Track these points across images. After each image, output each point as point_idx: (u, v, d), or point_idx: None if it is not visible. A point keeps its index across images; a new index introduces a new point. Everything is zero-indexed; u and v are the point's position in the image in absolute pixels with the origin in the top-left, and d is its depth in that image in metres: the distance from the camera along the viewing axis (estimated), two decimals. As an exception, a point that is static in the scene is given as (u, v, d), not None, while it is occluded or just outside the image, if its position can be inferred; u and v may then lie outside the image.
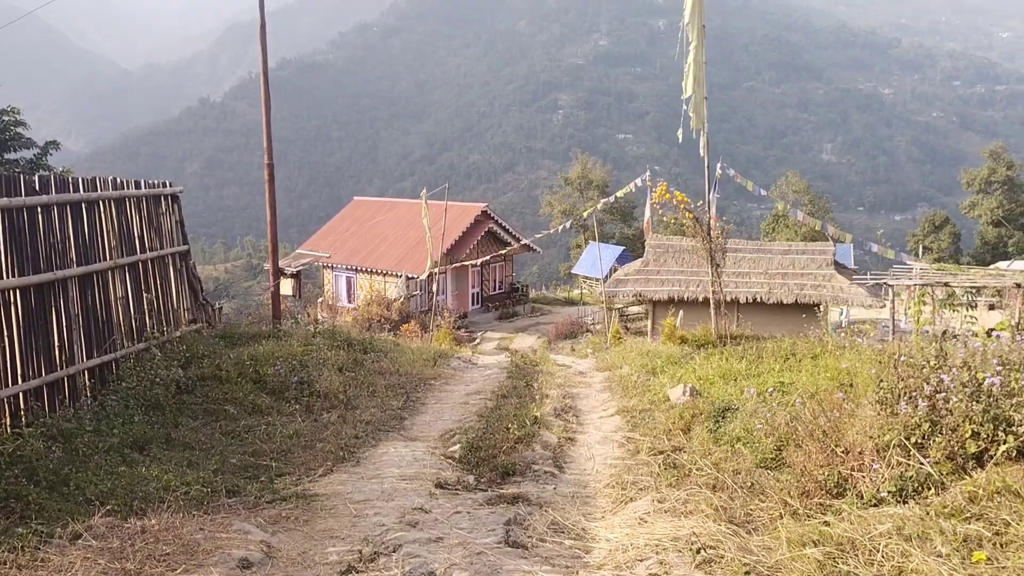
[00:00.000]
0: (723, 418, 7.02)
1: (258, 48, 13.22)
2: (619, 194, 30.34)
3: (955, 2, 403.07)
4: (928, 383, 5.24)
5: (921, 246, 64.69)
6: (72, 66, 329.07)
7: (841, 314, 27.70)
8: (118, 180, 8.93)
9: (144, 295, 9.21)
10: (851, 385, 7.87)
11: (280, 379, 8.84)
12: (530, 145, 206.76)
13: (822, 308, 20.45)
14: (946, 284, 13.07)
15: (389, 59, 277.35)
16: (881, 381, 5.65)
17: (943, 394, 5.05)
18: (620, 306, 29.93)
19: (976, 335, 12.69)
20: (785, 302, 21.19)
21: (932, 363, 5.43)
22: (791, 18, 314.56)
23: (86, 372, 7.85)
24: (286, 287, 13.80)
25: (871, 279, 20.44)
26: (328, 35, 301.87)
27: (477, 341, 32.46)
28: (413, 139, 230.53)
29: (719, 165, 31.42)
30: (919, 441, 4.88)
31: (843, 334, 13.66)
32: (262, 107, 13.18)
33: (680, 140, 11.88)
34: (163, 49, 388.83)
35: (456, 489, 5.73)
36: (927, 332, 12.88)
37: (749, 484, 5.52)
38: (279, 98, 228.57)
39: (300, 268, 13.47)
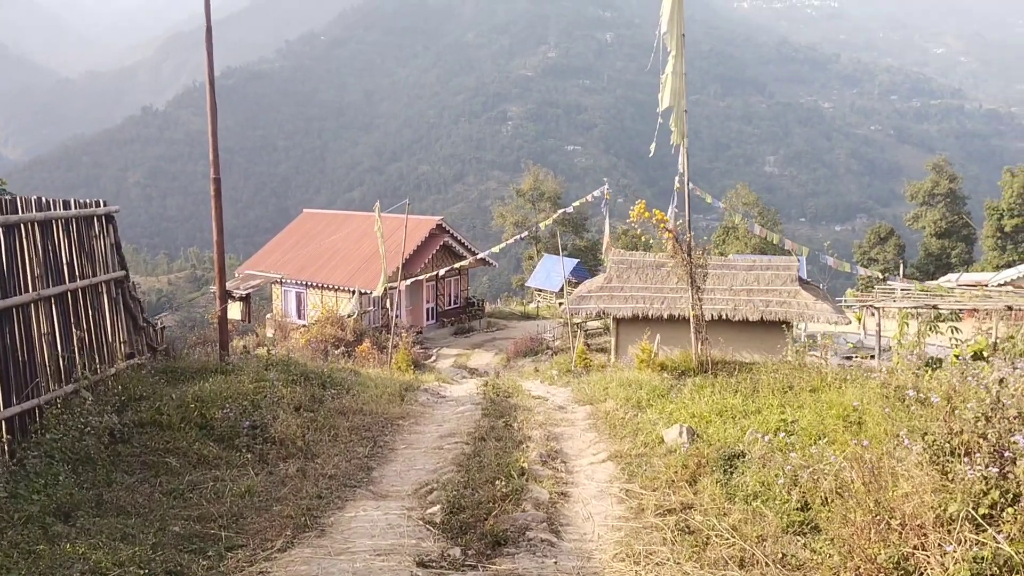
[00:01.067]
0: (732, 467, 6.31)
1: (202, 55, 12.24)
2: (575, 204, 29.85)
3: (891, 19, 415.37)
4: (985, 438, 4.59)
5: (867, 258, 65.68)
6: (8, 74, 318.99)
7: (803, 329, 27.47)
8: (43, 200, 7.90)
9: (74, 330, 8.18)
10: (859, 423, 7.26)
11: (229, 423, 7.86)
12: (480, 156, 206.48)
13: (791, 326, 20.07)
14: (934, 307, 12.68)
15: (337, 69, 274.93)
16: (925, 434, 4.98)
17: (1008, 452, 4.41)
18: (579, 321, 29.32)
19: (961, 357, 12.28)
20: (751, 319, 20.73)
21: (989, 414, 4.77)
22: (734, 33, 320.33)
23: (3, 424, 6.81)
24: (234, 311, 12.76)
25: (855, 300, 20.13)
26: (275, 44, 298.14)
27: (433, 359, 31.52)
28: (361, 149, 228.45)
29: (677, 178, 31.11)
30: (989, 512, 4.22)
31: (800, 350, 13.15)
32: (207, 118, 12.19)
33: (652, 154, 11.23)
34: (104, 57, 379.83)
35: (441, 566, 4.90)
36: (912, 357, 12.43)
37: (781, 556, 4.82)
38: (224, 108, 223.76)
39: (249, 291, 12.57)
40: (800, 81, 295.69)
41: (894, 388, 7.83)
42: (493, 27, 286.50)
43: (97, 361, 8.65)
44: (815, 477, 5.51)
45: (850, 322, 21.65)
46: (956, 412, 4.97)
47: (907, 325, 12.84)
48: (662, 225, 11.59)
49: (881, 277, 37.75)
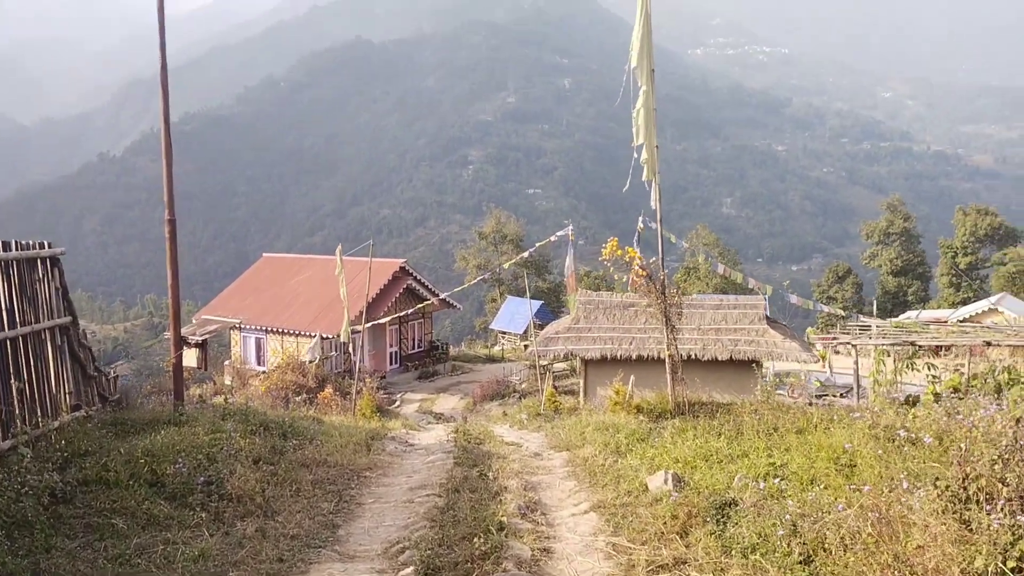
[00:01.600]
0: (725, 517, 5.92)
1: (159, 102, 11.82)
2: (539, 245, 29.66)
3: (840, 64, 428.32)
4: (1005, 483, 4.28)
5: (827, 296, 66.44)
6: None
7: (770, 368, 27.38)
8: (-19, 241, 7.37)
9: (13, 381, 7.58)
10: (851, 466, 6.95)
11: (182, 479, 7.27)
12: (441, 200, 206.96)
13: (761, 365, 19.90)
14: (912, 343, 12.52)
15: (298, 114, 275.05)
16: (937, 479, 4.65)
17: (1031, 500, 4.10)
18: (545, 363, 28.93)
19: (943, 394, 12.09)
20: (720, 359, 20.53)
21: (1006, 456, 4.46)
22: (690, 79, 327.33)
23: (-71, 486, 6.20)
24: (190, 358, 12.16)
25: (832, 338, 20.03)
26: (234, 90, 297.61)
27: (397, 404, 30.82)
28: (322, 193, 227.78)
29: (640, 218, 31.11)
30: (1018, 565, 3.88)
31: (769, 390, 12.90)
32: (163, 157, 11.72)
33: (625, 189, 10.99)
34: (62, 104, 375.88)
35: (418, 638, 4.42)
36: (889, 395, 12.23)
37: (790, 617, 4.44)
38: (183, 153, 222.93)
39: (206, 336, 12.06)
40: (754, 125, 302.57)
41: (883, 428, 7.55)
42: (453, 72, 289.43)
43: (39, 414, 8.04)
44: (817, 527, 5.15)
45: (818, 360, 21.57)
46: (969, 455, 4.65)
47: (883, 363, 12.67)
48: (635, 263, 11.32)
49: (843, 315, 38.13)
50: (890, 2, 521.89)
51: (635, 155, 10.70)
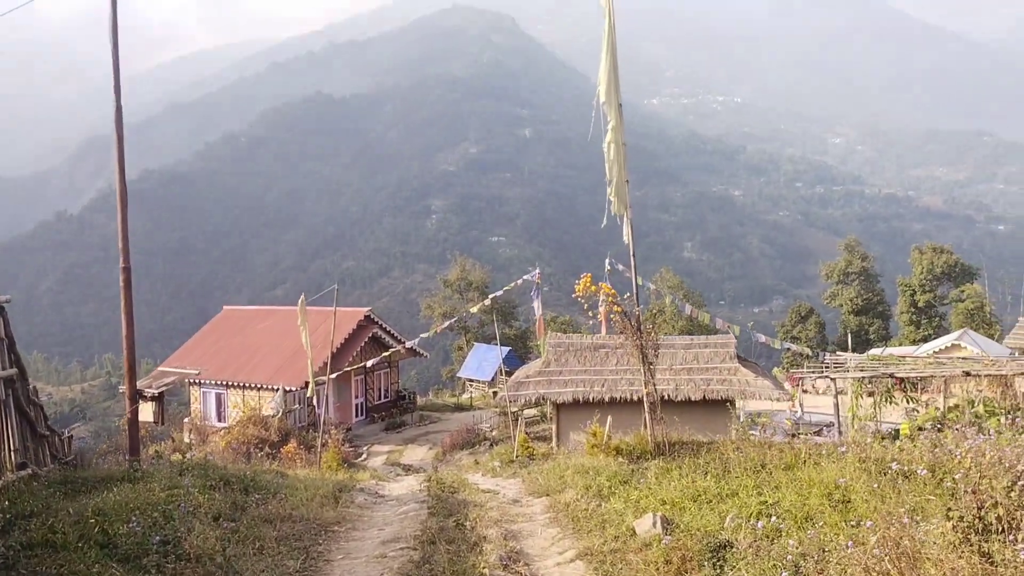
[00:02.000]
0: (721, 560, 5.57)
1: (115, 148, 11.45)
2: (507, 288, 29.45)
3: (791, 112, 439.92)
4: (1025, 511, 4.01)
5: (791, 336, 66.91)
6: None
7: (740, 407, 27.20)
8: (-84, 289, 6.87)
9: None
10: (846, 502, 6.66)
11: (136, 540, 6.72)
12: (405, 250, 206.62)
13: (736, 404, 19.67)
14: (891, 375, 12.34)
15: (257, 168, 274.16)
16: (950, 510, 4.37)
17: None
18: (515, 409, 28.45)
19: (925, 426, 11.92)
20: (693, 399, 20.27)
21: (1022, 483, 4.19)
22: (647, 128, 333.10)
23: None
24: (147, 413, 11.52)
25: (804, 375, 19.86)
26: (194, 146, 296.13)
27: (364, 456, 30.06)
28: (284, 247, 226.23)
29: (607, 260, 31.09)
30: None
31: (743, 429, 12.66)
32: (117, 204, 11.29)
33: (603, 224, 10.80)
34: (16, 162, 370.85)
35: None
36: (869, 427, 12.04)
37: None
38: (141, 210, 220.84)
39: (163, 389, 11.48)
40: (711, 171, 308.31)
41: (873, 462, 7.29)
42: (414, 125, 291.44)
43: (-21, 474, 7.47)
44: (820, 567, 4.82)
45: (790, 399, 21.43)
46: (980, 484, 4.37)
47: (860, 398, 12.49)
48: (610, 299, 11.06)
49: (809, 354, 38.24)
50: (837, 51, 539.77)
51: (608, 190, 10.52)
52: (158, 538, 6.81)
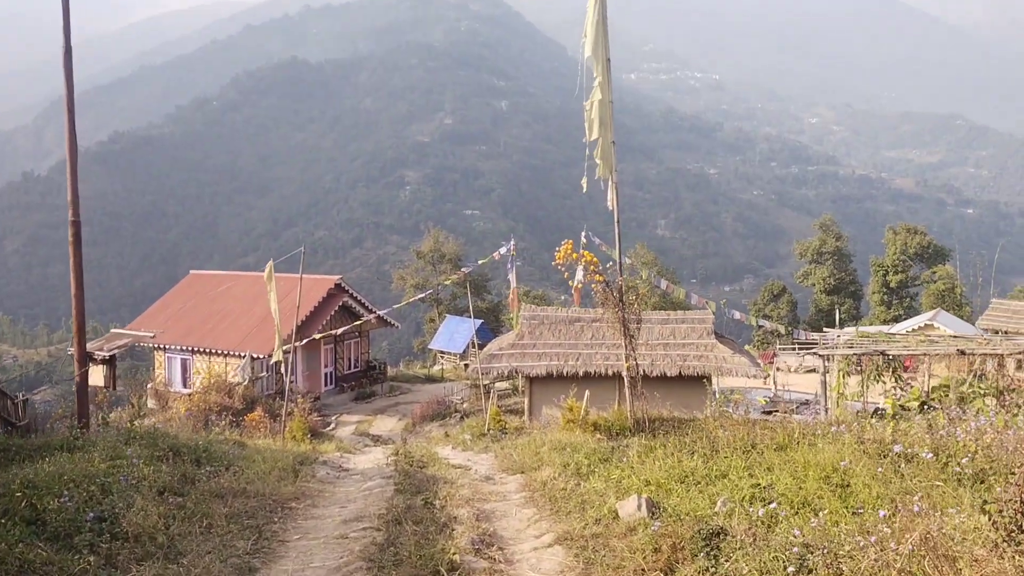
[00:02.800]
0: (715, 550, 5.05)
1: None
2: (481, 261, 28.81)
3: (768, 91, 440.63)
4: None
5: (762, 315, 66.99)
6: None
7: (715, 384, 26.93)
8: None
9: None
10: (845, 486, 6.18)
11: (68, 516, 6.07)
12: (378, 220, 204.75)
13: (711, 380, 19.30)
14: (883, 353, 11.89)
15: (230, 133, 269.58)
16: (986, 503, 3.86)
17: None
18: (486, 382, 27.96)
19: (905, 407, 11.52)
20: (669, 375, 19.85)
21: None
22: (624, 103, 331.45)
23: None
24: (97, 376, 10.84)
25: (798, 347, 19.44)
26: (165, 109, 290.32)
27: (332, 426, 29.47)
28: (256, 214, 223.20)
29: (583, 233, 30.53)
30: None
31: (720, 406, 12.25)
32: (67, 149, 10.49)
33: (585, 189, 10.19)
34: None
35: None
36: (855, 406, 11.62)
37: None
38: (111, 173, 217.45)
39: (114, 351, 10.76)
40: (687, 148, 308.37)
41: (872, 443, 6.81)
42: (389, 94, 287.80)
43: None
44: (830, 562, 4.31)
45: (767, 376, 21.10)
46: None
47: (846, 376, 12.07)
48: (592, 268, 10.49)
49: (783, 332, 38.08)
50: (816, 31, 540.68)
51: (587, 152, 9.88)
52: (93, 514, 6.16)
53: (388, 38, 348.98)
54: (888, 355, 12.22)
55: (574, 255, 10.42)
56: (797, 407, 22.00)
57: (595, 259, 10.62)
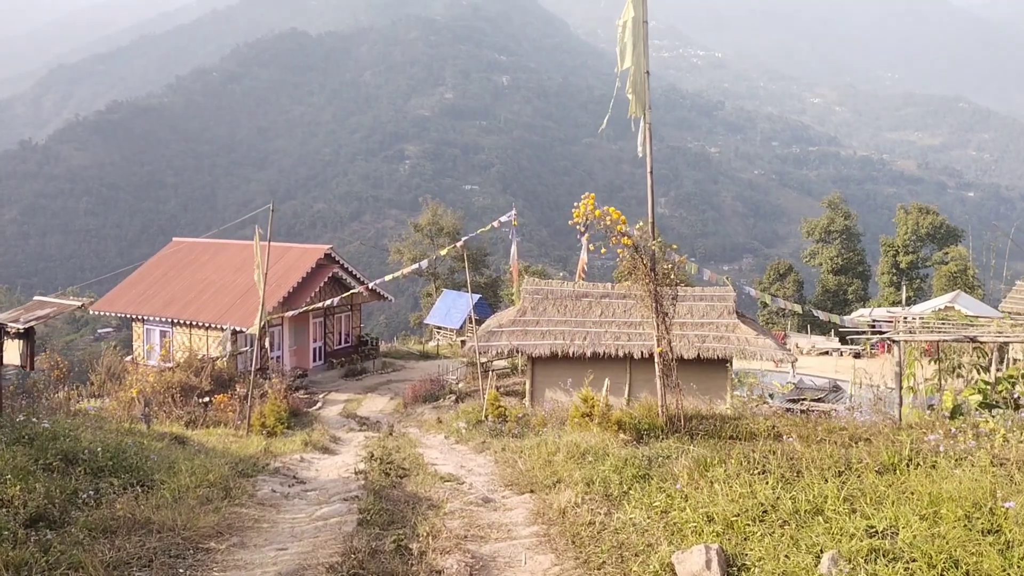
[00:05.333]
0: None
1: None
2: (482, 231, 26.82)
3: (771, 70, 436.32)
4: None
5: (768, 293, 65.13)
6: None
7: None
8: None
9: None
10: (995, 532, 4.28)
11: None
12: (377, 194, 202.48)
13: (731, 363, 17.41)
14: (972, 339, 10.00)
15: (229, 105, 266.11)
16: None
17: None
18: (484, 360, 26.07)
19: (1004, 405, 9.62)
20: (686, 357, 17.92)
21: None
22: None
23: None
24: (12, 353, 8.93)
25: (867, 330, 17.50)
26: (164, 79, 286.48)
27: (319, 405, 27.60)
28: (255, 187, 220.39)
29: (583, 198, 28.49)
30: None
31: (748, 397, 10.34)
32: None
33: (601, 130, 8.23)
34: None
35: None
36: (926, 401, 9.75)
37: None
38: (109, 143, 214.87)
39: (31, 323, 9.15)
40: (688, 127, 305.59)
41: (1017, 465, 4.87)
42: (390, 67, 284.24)
43: None
44: None
45: (796, 360, 19.23)
46: None
47: (917, 365, 10.16)
48: (619, 228, 8.54)
49: (800, 311, 36.18)
50: (819, 11, 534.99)
51: (617, 84, 7.90)
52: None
53: (389, 11, 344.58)
54: (979, 341, 10.32)
55: (596, 212, 8.45)
56: (825, 395, 20.13)
57: (622, 216, 8.65)
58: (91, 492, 5.89)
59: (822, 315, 32.20)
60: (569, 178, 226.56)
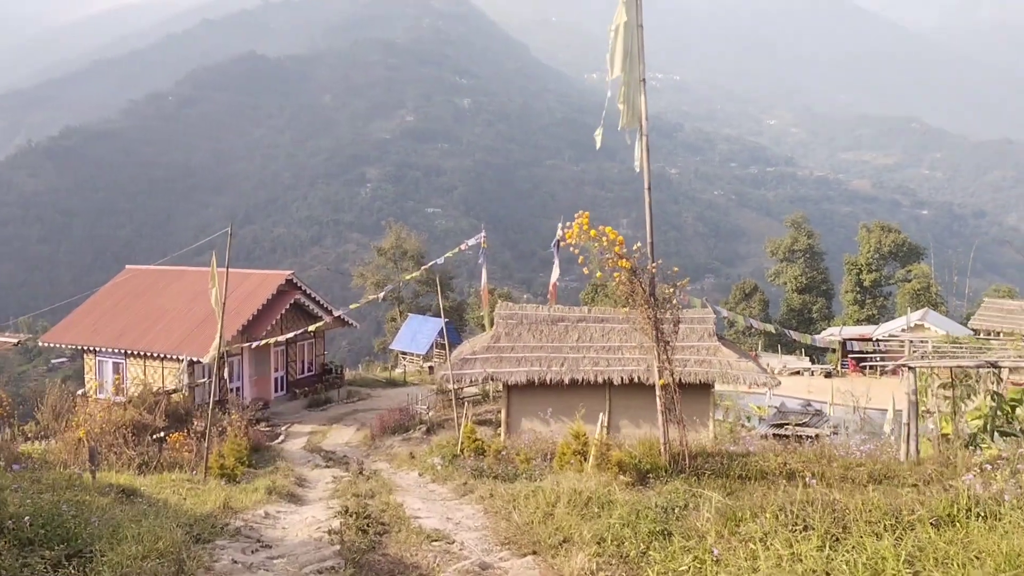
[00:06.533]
0: None
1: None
2: (449, 255, 26.13)
3: (729, 92, 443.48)
4: None
5: (734, 313, 65.12)
6: None
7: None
8: None
9: None
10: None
11: None
12: (338, 218, 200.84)
13: (712, 388, 16.81)
14: (992, 364, 9.43)
15: (186, 129, 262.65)
16: None
17: None
18: (456, 387, 25.21)
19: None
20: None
21: None
22: (585, 102, 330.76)
23: None
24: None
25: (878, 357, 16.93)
26: (119, 104, 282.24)
27: (281, 439, 26.50)
28: (212, 211, 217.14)
29: (560, 225, 27.96)
30: None
31: (733, 424, 9.70)
32: None
33: (598, 146, 7.58)
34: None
35: None
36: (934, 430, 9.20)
37: None
38: (63, 168, 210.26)
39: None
40: (650, 148, 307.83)
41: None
42: (350, 90, 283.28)
43: None
44: None
45: (779, 383, 18.72)
46: None
47: (929, 391, 9.59)
48: (616, 249, 7.88)
49: (773, 330, 36.01)
50: (776, 35, 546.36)
51: (608, 93, 7.25)
52: None
53: (348, 34, 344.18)
54: (1000, 366, 9.77)
55: (592, 232, 7.76)
56: (807, 420, 19.63)
57: (619, 237, 7.98)
58: (18, 569, 4.95)
59: (795, 335, 32.04)
60: (531, 200, 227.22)
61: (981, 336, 33.27)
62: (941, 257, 69.06)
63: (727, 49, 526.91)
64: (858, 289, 63.45)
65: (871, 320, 59.24)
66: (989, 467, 6.17)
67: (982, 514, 4.91)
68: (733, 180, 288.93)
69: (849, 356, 40.83)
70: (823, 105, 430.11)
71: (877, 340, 31.02)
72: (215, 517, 7.79)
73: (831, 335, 40.74)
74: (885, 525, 5.00)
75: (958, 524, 4.86)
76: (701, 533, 5.55)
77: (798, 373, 39.22)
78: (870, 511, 5.22)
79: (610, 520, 6.17)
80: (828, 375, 38.68)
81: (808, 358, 46.46)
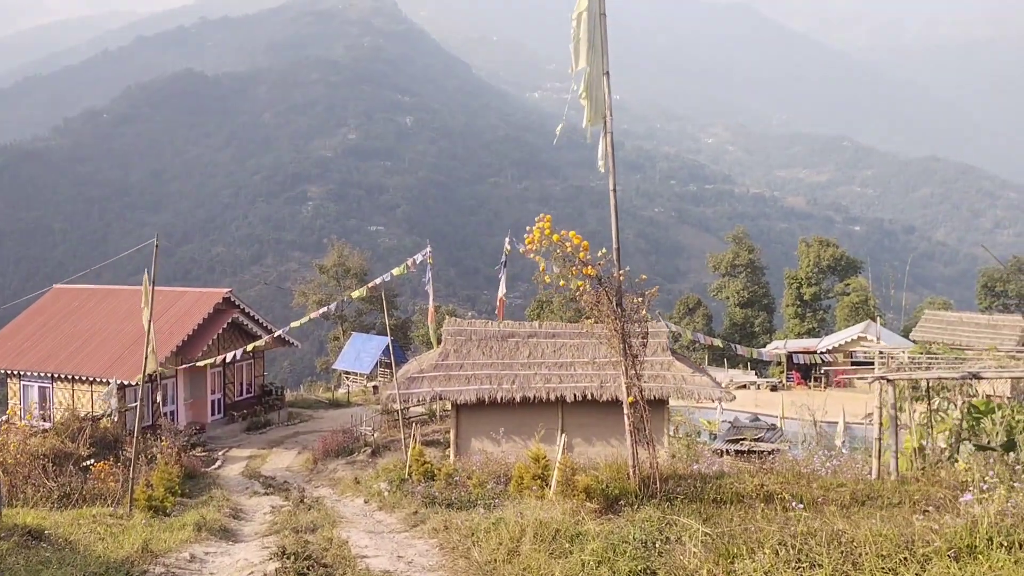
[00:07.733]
0: None
1: None
2: (395, 272, 25.32)
3: (667, 111, 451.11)
4: None
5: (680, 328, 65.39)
6: None
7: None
8: None
9: None
10: None
11: None
12: (279, 236, 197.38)
13: (667, 403, 16.38)
14: (975, 376, 9.12)
15: (121, 147, 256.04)
16: None
17: None
18: (399, 407, 24.37)
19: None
20: (621, 399, 16.83)
21: None
22: (528, 120, 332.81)
23: None
24: None
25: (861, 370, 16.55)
26: (51, 121, 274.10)
27: (218, 464, 25.28)
28: (149, 231, 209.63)
29: (507, 239, 27.45)
30: None
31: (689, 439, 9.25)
32: None
33: (555, 142, 7.03)
34: None
35: None
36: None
37: None
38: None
39: None
40: (590, 166, 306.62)
41: None
42: (290, 108, 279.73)
43: None
44: None
45: (734, 398, 18.38)
46: None
47: (907, 404, 9.22)
48: (581, 255, 7.31)
49: (721, 345, 35.94)
50: (712, 55, 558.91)
51: (573, 86, 6.73)
52: None
53: (288, 53, 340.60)
54: (982, 377, 9.49)
55: (555, 237, 7.19)
56: (761, 435, 19.35)
57: (585, 243, 7.43)
58: None
59: (741, 349, 31.95)
60: (476, 217, 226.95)
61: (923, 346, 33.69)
62: (875, 271, 70.61)
63: (665, 70, 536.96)
64: (799, 303, 64.36)
65: (812, 333, 60.10)
66: (984, 485, 5.75)
67: (1004, 544, 4.43)
68: (673, 197, 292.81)
69: (794, 369, 41.14)
70: (758, 124, 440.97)
71: (822, 353, 31.15)
72: (131, 564, 6.86)
73: (776, 348, 41.01)
74: (899, 559, 4.48)
75: (979, 556, 4.37)
76: (690, 572, 4.95)
77: (744, 387, 39.30)
78: (880, 543, 4.70)
79: (583, 557, 5.53)
80: (774, 388, 38.86)
81: (753, 372, 46.70)
